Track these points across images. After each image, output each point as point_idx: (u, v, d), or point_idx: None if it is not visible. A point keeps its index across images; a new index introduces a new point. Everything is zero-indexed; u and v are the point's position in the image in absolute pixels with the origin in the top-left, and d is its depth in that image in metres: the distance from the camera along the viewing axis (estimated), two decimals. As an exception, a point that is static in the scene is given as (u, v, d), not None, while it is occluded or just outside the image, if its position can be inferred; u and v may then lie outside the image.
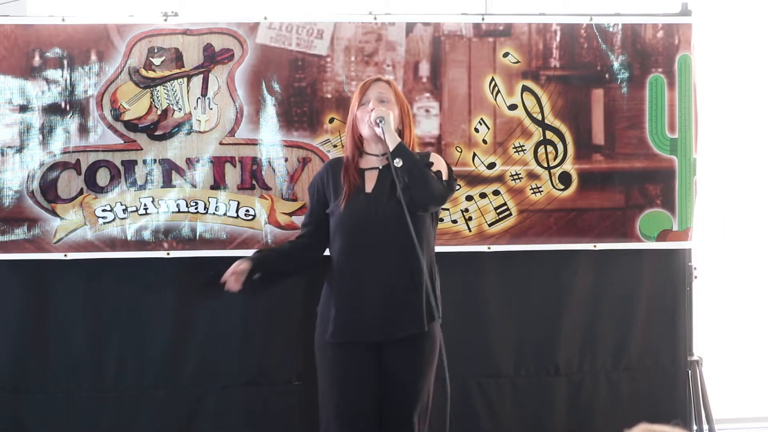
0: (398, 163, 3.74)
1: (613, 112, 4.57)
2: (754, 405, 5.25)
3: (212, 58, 4.39)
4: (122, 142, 4.38)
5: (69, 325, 4.49)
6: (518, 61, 4.52)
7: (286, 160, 4.43)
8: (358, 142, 3.91)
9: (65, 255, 4.38)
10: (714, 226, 5.19)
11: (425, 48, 4.49)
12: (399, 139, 3.80)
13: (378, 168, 3.87)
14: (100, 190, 4.38)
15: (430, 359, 3.84)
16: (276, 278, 4.02)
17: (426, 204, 3.79)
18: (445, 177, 3.88)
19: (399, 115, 3.90)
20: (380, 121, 3.78)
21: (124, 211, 4.39)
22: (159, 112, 4.38)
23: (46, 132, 4.36)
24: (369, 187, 3.86)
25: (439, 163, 3.91)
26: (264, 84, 4.41)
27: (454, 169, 4.45)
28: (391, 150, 3.76)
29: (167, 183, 4.40)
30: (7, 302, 4.47)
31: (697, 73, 4.62)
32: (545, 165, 4.55)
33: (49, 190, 4.36)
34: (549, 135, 4.55)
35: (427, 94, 4.49)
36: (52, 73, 4.35)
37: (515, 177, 4.54)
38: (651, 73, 4.58)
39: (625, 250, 4.63)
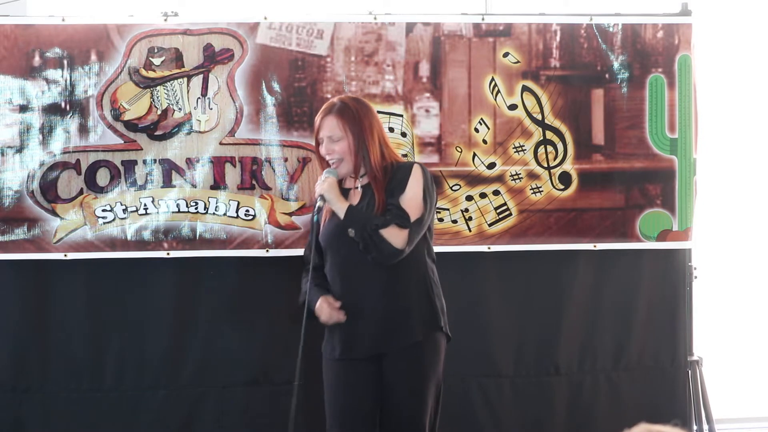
0: (351, 233, 3.68)
1: (613, 112, 4.57)
2: (754, 405, 5.25)
3: (212, 58, 4.39)
4: (122, 142, 4.38)
5: (69, 325, 4.49)
6: (518, 61, 4.52)
7: (286, 160, 4.43)
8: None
9: (65, 255, 4.38)
10: (714, 226, 5.19)
11: (425, 48, 4.49)
12: (345, 207, 3.70)
13: (359, 187, 3.81)
14: (100, 190, 4.38)
15: (430, 367, 3.79)
16: None
17: (384, 263, 3.70)
18: (415, 214, 3.70)
19: (354, 143, 3.73)
20: (320, 201, 3.72)
21: (124, 211, 4.38)
22: (159, 112, 4.38)
23: (46, 132, 4.36)
24: (354, 203, 3.79)
25: (412, 191, 3.71)
26: (264, 84, 4.41)
27: (453, 169, 4.47)
28: (342, 219, 3.71)
29: (167, 183, 4.40)
30: (7, 302, 4.47)
31: (697, 73, 4.62)
32: (545, 165, 4.55)
33: (49, 190, 4.36)
34: (549, 135, 4.55)
35: (427, 94, 4.49)
36: (52, 73, 4.35)
37: (515, 177, 4.54)
38: (651, 73, 4.58)
39: (625, 250, 4.63)
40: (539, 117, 4.54)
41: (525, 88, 4.53)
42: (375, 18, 4.48)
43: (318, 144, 3.83)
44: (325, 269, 3.85)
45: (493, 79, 4.51)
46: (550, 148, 4.55)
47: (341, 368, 3.80)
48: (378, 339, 3.74)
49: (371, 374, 3.76)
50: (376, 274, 3.73)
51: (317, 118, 3.82)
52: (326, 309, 3.75)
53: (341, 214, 3.71)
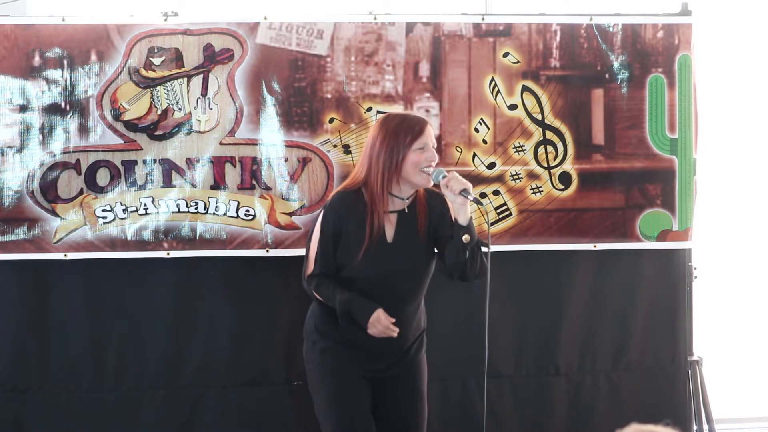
0: (466, 239, 3.62)
1: (613, 112, 4.58)
2: (754, 405, 5.25)
3: (212, 58, 4.39)
4: (122, 142, 4.38)
5: (69, 325, 4.49)
6: (518, 61, 4.52)
7: (286, 160, 4.43)
8: (389, 185, 3.66)
9: (65, 255, 4.38)
10: (714, 226, 5.19)
11: (425, 48, 4.49)
12: (469, 216, 3.66)
13: (400, 211, 3.70)
14: (100, 190, 4.38)
15: (426, 371, 3.83)
16: None
17: (469, 281, 3.76)
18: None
19: None
20: (467, 194, 3.61)
21: (124, 211, 4.39)
22: (159, 112, 4.38)
23: (46, 132, 4.36)
24: (389, 234, 3.68)
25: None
26: (264, 84, 4.41)
27: (454, 169, 4.46)
28: (464, 224, 3.63)
29: (167, 183, 4.40)
30: (7, 302, 4.47)
31: (697, 73, 4.62)
32: (545, 165, 4.55)
33: (49, 190, 4.36)
34: (549, 135, 4.55)
35: (427, 94, 4.49)
36: (52, 73, 4.35)
37: (515, 177, 4.54)
38: (651, 73, 4.58)
39: (625, 250, 4.63)
40: (539, 117, 4.54)
41: (525, 88, 4.53)
42: (375, 18, 4.48)
43: (401, 148, 3.64)
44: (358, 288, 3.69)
45: (493, 79, 4.51)
46: (550, 148, 4.55)
47: (347, 378, 3.72)
48: (398, 361, 3.73)
49: (368, 382, 3.75)
50: (413, 303, 3.72)
51: (404, 129, 3.67)
52: (383, 321, 3.60)
53: (466, 218, 3.63)
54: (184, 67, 4.38)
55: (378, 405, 3.75)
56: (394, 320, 3.61)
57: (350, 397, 3.71)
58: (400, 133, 3.66)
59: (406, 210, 3.71)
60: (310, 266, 3.75)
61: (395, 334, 3.61)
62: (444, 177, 3.66)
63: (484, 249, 3.72)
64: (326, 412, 3.73)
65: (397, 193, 3.69)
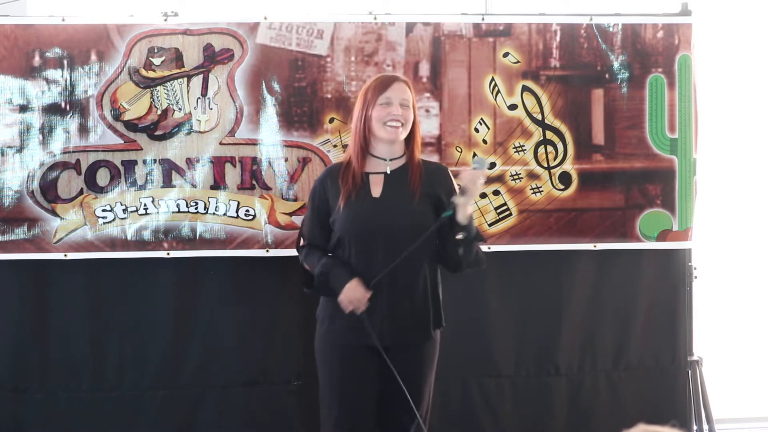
0: (460, 237, 3.68)
1: (613, 112, 4.58)
2: (754, 405, 5.25)
3: (212, 58, 4.39)
4: (122, 142, 4.38)
5: (69, 325, 4.49)
6: (518, 61, 4.52)
7: (286, 160, 4.43)
8: (363, 143, 3.77)
9: (65, 255, 4.38)
10: (714, 226, 5.19)
11: (425, 48, 4.49)
12: (469, 213, 3.69)
13: (384, 173, 3.78)
14: (100, 190, 4.38)
15: (431, 363, 3.83)
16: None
17: (461, 271, 3.80)
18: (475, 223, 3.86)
19: (412, 119, 3.79)
20: (459, 195, 3.67)
21: (124, 211, 4.39)
22: (159, 112, 4.38)
23: (46, 132, 4.36)
24: (376, 191, 3.76)
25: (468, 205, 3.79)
26: (264, 84, 4.41)
27: (454, 169, 4.47)
28: (462, 222, 3.66)
29: (167, 183, 4.40)
30: (7, 302, 4.48)
31: (697, 73, 4.62)
32: (545, 165, 4.55)
33: (49, 190, 4.36)
34: (549, 135, 4.55)
35: (427, 94, 4.49)
36: (52, 73, 4.35)
37: (515, 177, 4.54)
38: (651, 73, 4.58)
39: (625, 250, 4.63)
40: (539, 117, 4.54)
41: (525, 88, 4.53)
42: (375, 18, 4.48)
43: (367, 105, 3.76)
44: (346, 256, 3.74)
45: (493, 79, 4.51)
46: (550, 148, 4.55)
47: (347, 356, 3.75)
48: (396, 329, 3.72)
49: (374, 366, 3.74)
50: (409, 264, 3.71)
51: (372, 88, 3.77)
52: (360, 291, 3.66)
53: (465, 216, 3.68)
54: (184, 67, 4.38)
55: (384, 377, 3.74)
56: (369, 295, 3.66)
57: (353, 379, 3.74)
58: (369, 89, 3.79)
59: (389, 171, 3.78)
60: (301, 238, 3.91)
61: (358, 311, 3.66)
62: (477, 167, 3.72)
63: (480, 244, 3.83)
64: (324, 405, 3.80)
65: (377, 154, 3.79)
